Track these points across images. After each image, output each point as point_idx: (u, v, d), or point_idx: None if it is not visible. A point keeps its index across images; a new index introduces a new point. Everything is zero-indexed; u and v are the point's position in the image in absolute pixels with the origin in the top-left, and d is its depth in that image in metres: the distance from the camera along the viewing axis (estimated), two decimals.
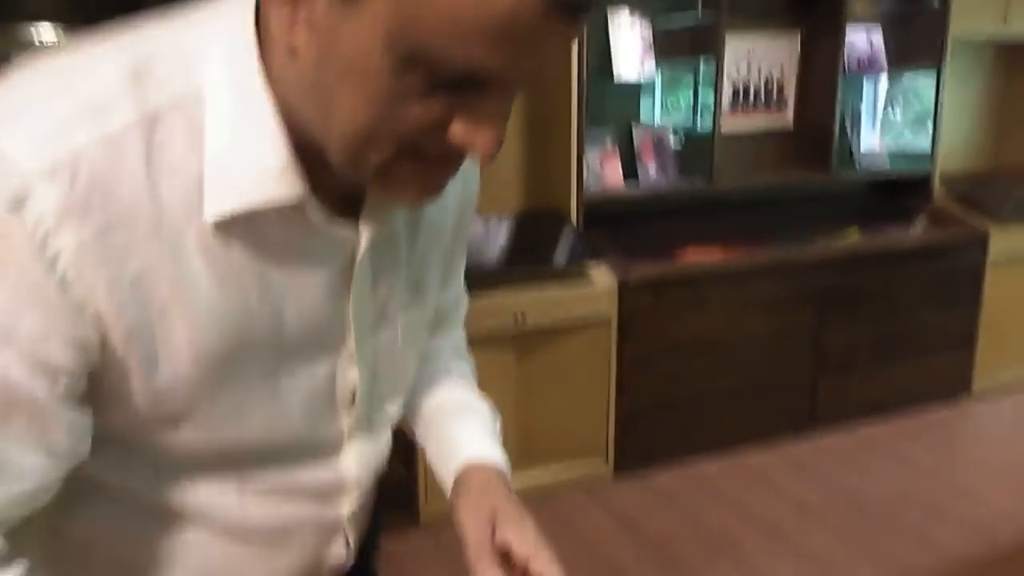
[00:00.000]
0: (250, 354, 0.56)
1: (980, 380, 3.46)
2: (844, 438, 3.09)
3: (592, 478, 2.67)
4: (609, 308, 2.54)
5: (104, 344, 0.50)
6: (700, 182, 2.95)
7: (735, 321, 2.82)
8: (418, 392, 0.81)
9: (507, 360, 2.49)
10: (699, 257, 2.75)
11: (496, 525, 0.67)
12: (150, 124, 0.49)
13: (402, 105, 0.47)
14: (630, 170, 2.92)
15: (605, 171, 2.83)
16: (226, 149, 0.50)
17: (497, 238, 2.58)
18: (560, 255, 2.54)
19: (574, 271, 2.53)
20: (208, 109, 0.50)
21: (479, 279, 2.09)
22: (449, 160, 0.51)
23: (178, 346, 0.52)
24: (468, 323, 0.89)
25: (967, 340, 3.38)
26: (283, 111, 0.51)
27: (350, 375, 0.63)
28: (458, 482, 0.73)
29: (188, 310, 0.52)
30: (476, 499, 0.70)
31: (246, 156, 0.51)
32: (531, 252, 2.56)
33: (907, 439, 3.12)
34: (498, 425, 0.81)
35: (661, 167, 2.98)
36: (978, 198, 3.40)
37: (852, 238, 3.11)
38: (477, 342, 0.93)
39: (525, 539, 0.66)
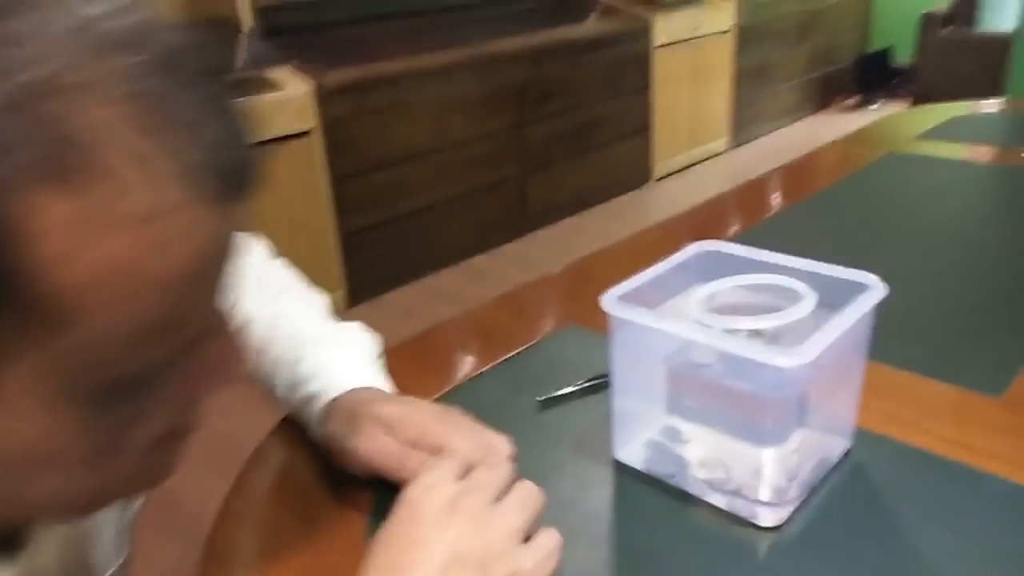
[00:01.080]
0: None
1: (658, 165, 3.84)
2: (553, 229, 3.31)
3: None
4: (308, 117, 2.36)
5: None
6: None
7: (443, 124, 2.78)
8: None
9: None
10: (396, 61, 2.64)
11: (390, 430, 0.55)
12: None
13: (123, 439, 0.35)
14: None
15: None
16: None
17: None
18: (238, 62, 2.28)
19: (258, 78, 2.30)
20: None
21: None
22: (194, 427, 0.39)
23: None
24: None
25: (644, 127, 3.70)
26: None
27: None
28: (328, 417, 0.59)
29: None
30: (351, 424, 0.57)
31: None
32: None
33: (606, 221, 3.42)
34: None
35: None
36: None
37: (536, 38, 3.18)
38: None
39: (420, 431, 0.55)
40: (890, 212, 1.08)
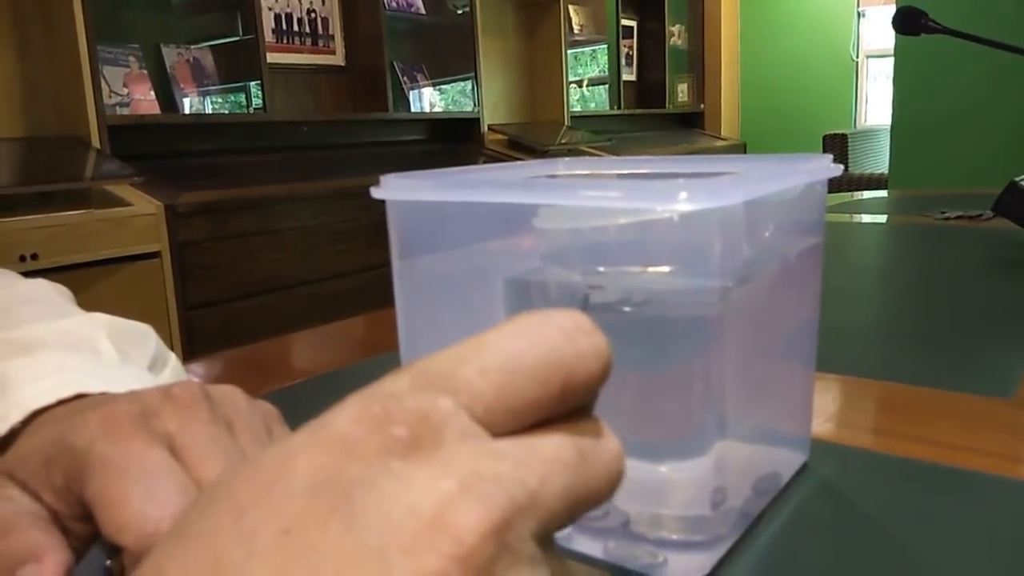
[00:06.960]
0: None
1: None
2: None
3: None
4: (157, 238, 2.10)
5: None
6: (252, 110, 2.68)
7: (316, 254, 2.57)
8: None
9: None
10: (261, 189, 2.45)
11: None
12: None
13: None
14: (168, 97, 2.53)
15: (134, 93, 2.39)
16: None
17: None
18: (85, 175, 2.05)
19: (103, 192, 2.07)
20: None
21: None
22: None
23: None
24: None
25: None
26: None
27: None
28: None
29: None
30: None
31: None
32: (42, 175, 2.03)
33: None
34: None
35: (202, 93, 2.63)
36: (522, 140, 3.67)
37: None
38: None
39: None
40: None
